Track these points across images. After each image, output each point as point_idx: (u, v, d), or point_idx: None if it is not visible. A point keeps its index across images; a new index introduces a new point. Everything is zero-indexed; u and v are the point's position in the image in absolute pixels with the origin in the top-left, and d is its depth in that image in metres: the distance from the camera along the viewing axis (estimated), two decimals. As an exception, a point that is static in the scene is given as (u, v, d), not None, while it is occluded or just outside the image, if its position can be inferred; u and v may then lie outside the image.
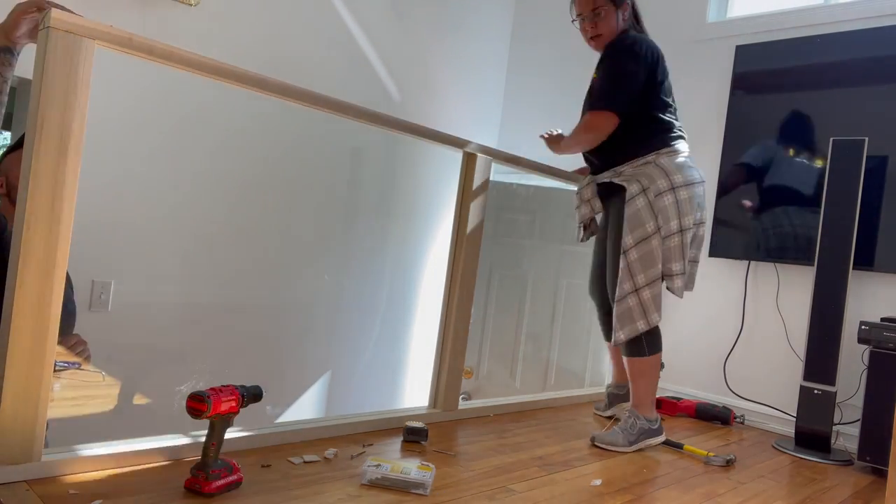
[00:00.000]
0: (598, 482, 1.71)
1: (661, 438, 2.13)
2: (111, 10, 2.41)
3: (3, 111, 1.45)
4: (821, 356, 2.35)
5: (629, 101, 2.06)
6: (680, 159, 2.09)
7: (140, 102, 2.51)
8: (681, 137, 2.16)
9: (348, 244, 3.26)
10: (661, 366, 2.77)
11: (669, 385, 3.05)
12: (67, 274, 1.53)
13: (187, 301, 2.67)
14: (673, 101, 2.18)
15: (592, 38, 2.17)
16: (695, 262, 2.23)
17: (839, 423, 2.54)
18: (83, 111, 1.31)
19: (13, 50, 1.43)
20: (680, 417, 2.71)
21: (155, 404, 2.59)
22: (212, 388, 1.31)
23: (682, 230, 2.04)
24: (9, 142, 2.31)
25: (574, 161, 3.56)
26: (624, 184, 2.11)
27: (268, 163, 2.90)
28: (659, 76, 2.10)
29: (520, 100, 3.91)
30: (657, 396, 2.84)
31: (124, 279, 2.50)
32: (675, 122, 2.16)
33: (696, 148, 3.07)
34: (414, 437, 1.85)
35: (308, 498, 1.36)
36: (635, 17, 2.25)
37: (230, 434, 1.59)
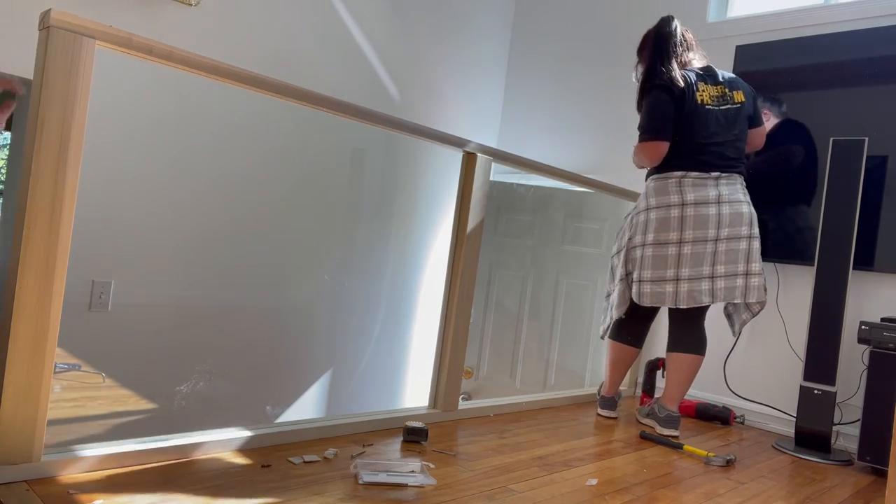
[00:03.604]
0: (593, 482, 1.71)
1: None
2: (111, 10, 2.41)
3: None
4: (821, 356, 2.35)
5: None
6: None
7: (140, 102, 2.51)
8: None
9: (349, 244, 3.26)
10: (662, 367, 2.77)
11: (669, 385, 3.05)
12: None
13: (187, 301, 2.67)
14: None
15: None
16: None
17: (839, 423, 2.54)
18: (83, 111, 1.30)
19: None
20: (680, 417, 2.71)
21: (155, 404, 2.59)
22: None
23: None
24: (9, 142, 2.31)
25: (573, 163, 3.56)
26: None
27: (268, 163, 2.90)
28: None
29: (520, 100, 3.91)
30: (658, 397, 2.83)
31: (124, 279, 2.50)
32: None
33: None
34: (414, 437, 1.85)
35: (308, 498, 1.36)
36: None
37: (230, 434, 1.59)
